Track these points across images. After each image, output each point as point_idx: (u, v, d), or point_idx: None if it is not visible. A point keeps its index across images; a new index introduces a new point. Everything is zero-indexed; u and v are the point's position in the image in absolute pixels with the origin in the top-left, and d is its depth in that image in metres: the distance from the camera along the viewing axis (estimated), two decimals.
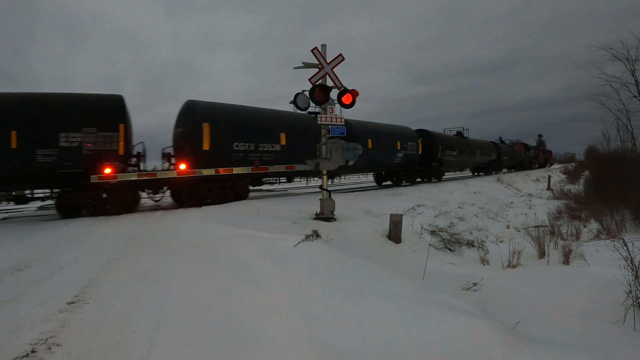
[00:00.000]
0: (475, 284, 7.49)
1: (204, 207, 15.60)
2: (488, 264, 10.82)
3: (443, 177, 35.45)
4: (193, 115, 17.38)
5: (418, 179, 31.73)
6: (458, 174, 48.13)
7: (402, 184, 29.44)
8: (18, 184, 15.23)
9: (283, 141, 19.54)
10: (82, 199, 15.39)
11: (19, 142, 13.60)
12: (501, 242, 13.77)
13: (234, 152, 18.00)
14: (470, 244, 12.87)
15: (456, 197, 21.12)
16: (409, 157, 28.73)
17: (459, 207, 18.43)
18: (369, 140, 24.38)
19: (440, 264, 9.73)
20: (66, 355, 4.26)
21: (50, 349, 4.40)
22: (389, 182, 30.05)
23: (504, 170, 54.50)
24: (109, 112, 15.40)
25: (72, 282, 6.85)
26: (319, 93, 12.19)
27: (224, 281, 6.60)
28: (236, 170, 18.06)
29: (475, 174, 44.43)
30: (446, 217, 15.48)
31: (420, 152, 29.85)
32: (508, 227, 16.72)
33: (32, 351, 4.34)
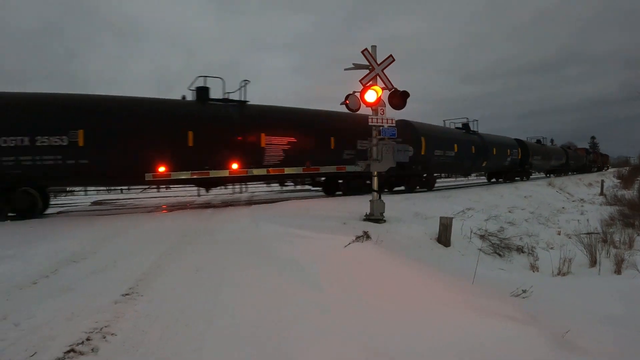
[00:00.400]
0: (524, 291, 7.37)
1: (253, 206, 15.75)
2: (538, 271, 10.59)
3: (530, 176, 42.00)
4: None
5: (516, 178, 38.60)
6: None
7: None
8: None
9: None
10: None
11: None
12: (552, 248, 13.42)
13: None
14: (520, 249, 12.60)
15: (507, 200, 20.66)
16: (513, 161, 36.01)
17: (509, 211, 18.04)
18: (494, 149, 32.12)
19: (489, 269, 9.54)
20: (120, 345, 4.33)
21: (104, 337, 4.46)
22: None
23: (570, 173, 55.22)
24: None
25: (126, 275, 6.97)
26: (370, 94, 12.18)
27: (275, 279, 6.60)
28: (288, 170, 18.25)
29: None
30: (496, 221, 15.16)
31: (519, 157, 37.04)
32: (559, 233, 16.27)
33: (87, 339, 4.39)
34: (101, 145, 14.16)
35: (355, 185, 20.35)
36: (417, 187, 25.10)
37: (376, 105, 12.30)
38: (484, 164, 31.63)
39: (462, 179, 45.67)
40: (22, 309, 5.47)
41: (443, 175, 34.00)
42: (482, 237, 12.47)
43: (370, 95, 12.11)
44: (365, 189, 19.94)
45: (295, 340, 4.49)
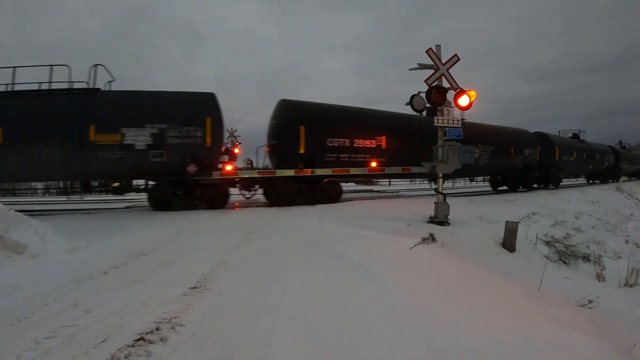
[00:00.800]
0: (590, 301, 7.17)
1: (318, 206, 15.88)
2: (604, 281, 10.25)
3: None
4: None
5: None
6: (573, 182, 45.96)
7: (519, 190, 28.62)
8: None
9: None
10: None
11: None
12: (619, 257, 13.04)
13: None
14: (586, 257, 12.19)
15: (573, 206, 19.87)
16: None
17: (576, 217, 17.41)
18: (597, 155, 34.26)
19: (554, 277, 9.31)
20: (189, 336, 4.32)
21: (173, 328, 4.46)
22: (504, 187, 29.38)
23: (624, 178, 47.36)
24: None
25: (194, 269, 7.06)
26: (436, 95, 12.04)
27: (341, 278, 6.51)
28: (353, 171, 18.35)
29: (590, 181, 41.87)
30: (562, 227, 14.64)
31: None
32: (627, 242, 15.72)
33: (157, 329, 4.40)
34: None
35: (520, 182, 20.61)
36: (535, 185, 30.09)
37: (441, 106, 12.22)
38: (590, 167, 37.18)
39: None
40: (93, 297, 5.59)
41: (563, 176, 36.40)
42: (547, 243, 12.21)
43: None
44: (528, 185, 20.26)
45: (361, 339, 4.48)
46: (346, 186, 25.29)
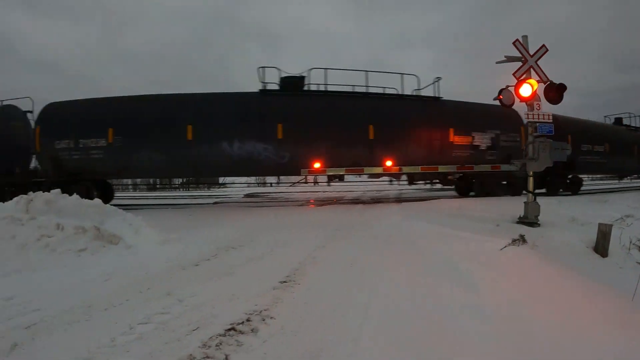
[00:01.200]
0: None
1: (403, 204, 15.74)
2: None
3: None
4: None
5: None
6: None
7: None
8: None
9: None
10: None
11: None
12: None
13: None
14: None
15: None
16: None
17: None
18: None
19: None
20: (279, 328, 4.23)
21: (264, 320, 4.39)
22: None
23: None
24: None
25: (282, 264, 7.07)
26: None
27: (430, 278, 6.33)
28: (442, 169, 18.40)
29: None
30: None
31: None
32: None
33: (247, 320, 4.33)
34: None
35: (488, 185, 19.88)
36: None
37: (531, 100, 11.51)
38: None
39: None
40: (185, 287, 5.70)
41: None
42: None
43: (525, 90, 11.25)
44: (499, 190, 19.61)
45: (451, 343, 4.35)
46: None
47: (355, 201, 17.93)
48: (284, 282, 6.02)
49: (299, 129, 16.79)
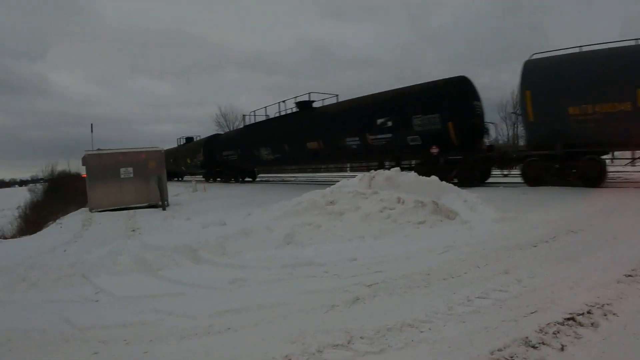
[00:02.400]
0: None
1: None
2: None
3: None
4: None
5: None
6: None
7: None
8: None
9: None
10: None
11: None
12: None
13: None
14: None
15: None
16: None
17: None
18: None
19: None
20: (621, 327, 3.92)
21: (605, 315, 4.09)
22: None
23: None
24: None
25: (626, 254, 6.34)
26: None
27: None
28: None
29: None
30: None
31: None
32: None
33: (588, 312, 4.13)
34: None
35: None
36: None
37: None
38: None
39: None
40: (523, 268, 5.80)
41: None
42: None
43: None
44: None
45: None
46: None
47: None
48: (629, 275, 5.49)
49: None
